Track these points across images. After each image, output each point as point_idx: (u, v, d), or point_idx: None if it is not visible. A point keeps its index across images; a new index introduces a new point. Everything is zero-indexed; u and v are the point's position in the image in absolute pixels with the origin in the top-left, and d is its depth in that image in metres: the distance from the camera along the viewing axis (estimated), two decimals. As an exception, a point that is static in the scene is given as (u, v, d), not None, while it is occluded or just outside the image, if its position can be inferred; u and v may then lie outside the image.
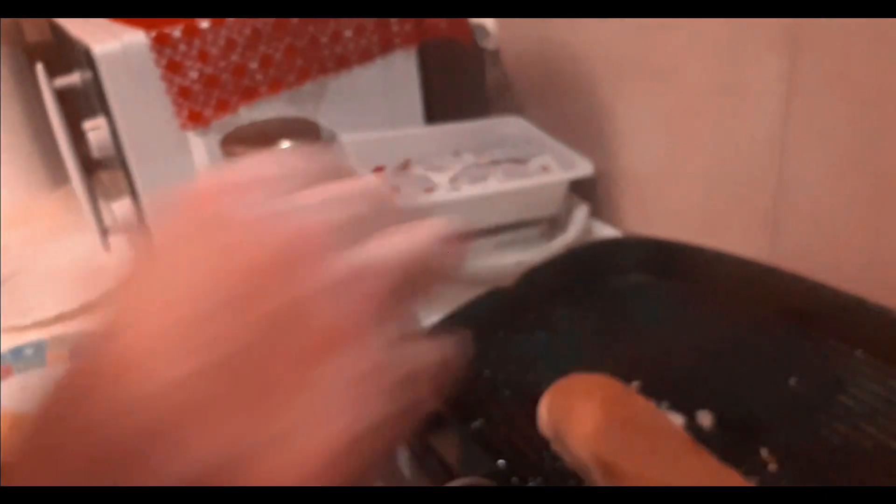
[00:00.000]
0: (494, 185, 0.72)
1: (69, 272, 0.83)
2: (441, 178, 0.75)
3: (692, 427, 0.43)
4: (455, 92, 0.88)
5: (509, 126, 0.85)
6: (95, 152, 0.68)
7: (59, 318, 0.74)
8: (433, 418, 0.54)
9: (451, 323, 0.51)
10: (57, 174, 0.99)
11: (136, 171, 0.66)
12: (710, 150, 0.64)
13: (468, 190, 0.71)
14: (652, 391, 0.44)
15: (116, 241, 0.81)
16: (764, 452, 0.40)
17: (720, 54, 0.60)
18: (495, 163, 0.78)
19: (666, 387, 0.45)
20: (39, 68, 0.70)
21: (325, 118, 0.70)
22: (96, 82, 0.64)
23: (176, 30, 0.65)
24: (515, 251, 0.71)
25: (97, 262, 0.83)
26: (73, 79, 0.71)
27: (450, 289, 0.67)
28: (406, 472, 0.53)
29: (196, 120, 0.67)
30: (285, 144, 0.64)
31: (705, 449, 0.38)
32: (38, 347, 0.67)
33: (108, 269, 0.79)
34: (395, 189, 0.71)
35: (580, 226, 0.71)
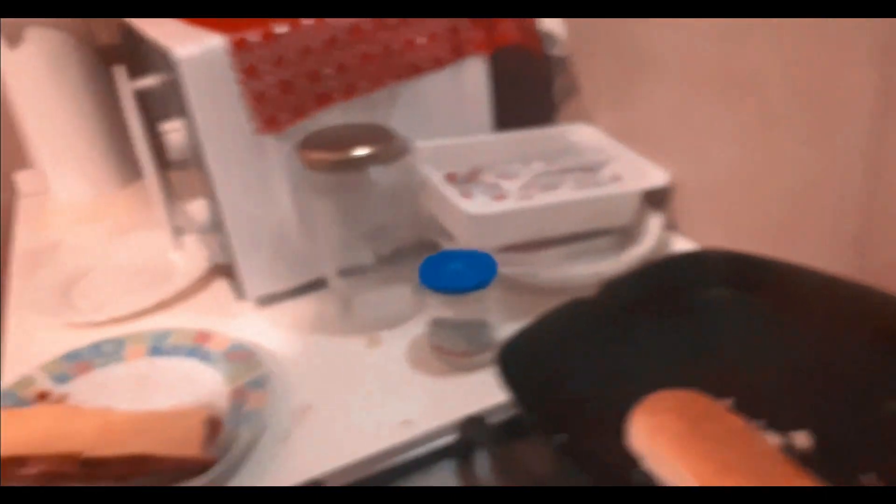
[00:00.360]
0: (567, 193, 0.72)
1: (142, 269, 0.84)
2: (511, 186, 0.75)
3: (789, 448, 0.42)
4: (522, 99, 0.88)
5: (578, 133, 0.84)
6: (172, 154, 0.70)
7: (135, 315, 0.75)
8: (518, 427, 0.54)
9: (534, 333, 0.51)
10: (125, 172, 1.01)
11: (214, 174, 0.67)
12: (792, 163, 0.62)
13: (540, 198, 0.70)
14: (744, 410, 0.43)
15: (188, 240, 0.83)
16: (868, 478, 0.39)
17: (806, 62, 0.59)
18: (566, 171, 0.78)
19: (759, 406, 0.44)
20: (120, 70, 0.72)
21: (396, 124, 0.71)
22: (176, 85, 0.65)
23: (254, 35, 0.66)
24: (588, 261, 0.70)
25: (169, 261, 0.85)
26: (151, 81, 0.72)
27: (525, 298, 0.67)
28: (485, 477, 0.53)
29: (271, 125, 0.68)
30: (360, 150, 0.65)
31: (807, 471, 0.37)
32: (117, 344, 0.69)
33: (179, 268, 0.79)
34: (467, 195, 0.71)
35: (654, 237, 0.71)
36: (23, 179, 1.06)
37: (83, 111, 0.96)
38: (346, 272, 0.72)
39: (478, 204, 0.70)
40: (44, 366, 0.66)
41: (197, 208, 0.71)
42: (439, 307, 0.63)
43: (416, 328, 0.70)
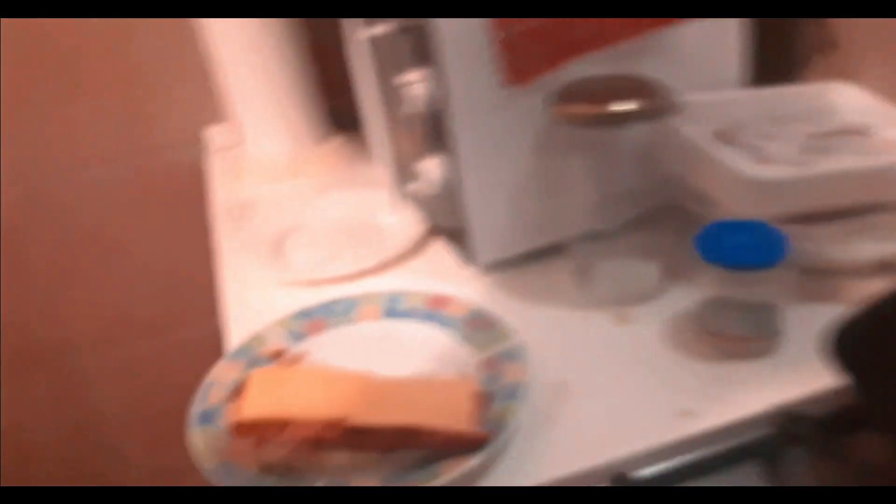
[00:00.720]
0: (854, 160, 0.62)
1: (351, 229, 0.81)
2: (777, 149, 0.66)
3: None
4: (762, 54, 0.79)
5: (840, 93, 0.74)
6: (411, 106, 0.65)
7: (356, 275, 0.72)
8: (850, 421, 0.47)
9: (878, 315, 0.43)
10: (322, 129, 0.98)
11: (458, 128, 0.62)
12: None
13: (826, 164, 0.62)
14: None
15: (402, 200, 0.79)
16: None
17: None
18: (834, 134, 0.68)
19: None
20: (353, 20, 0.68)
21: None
22: (427, 31, 0.60)
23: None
24: (872, 241, 0.61)
25: (379, 221, 0.82)
26: (387, 28, 0.68)
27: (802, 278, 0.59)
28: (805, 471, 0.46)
29: (521, 76, 0.62)
30: (624, 104, 0.58)
31: None
32: (349, 304, 0.66)
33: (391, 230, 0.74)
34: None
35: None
36: (213, 134, 1.05)
37: (285, 62, 0.93)
38: (586, 239, 0.66)
39: (761, 168, 0.61)
40: (277, 323, 0.64)
41: (430, 166, 0.67)
42: (717, 285, 0.56)
43: (668, 306, 0.63)
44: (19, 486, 1.18)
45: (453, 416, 0.49)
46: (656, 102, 0.59)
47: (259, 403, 0.51)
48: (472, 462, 0.48)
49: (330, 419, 0.49)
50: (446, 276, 0.71)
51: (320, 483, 0.49)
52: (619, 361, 0.58)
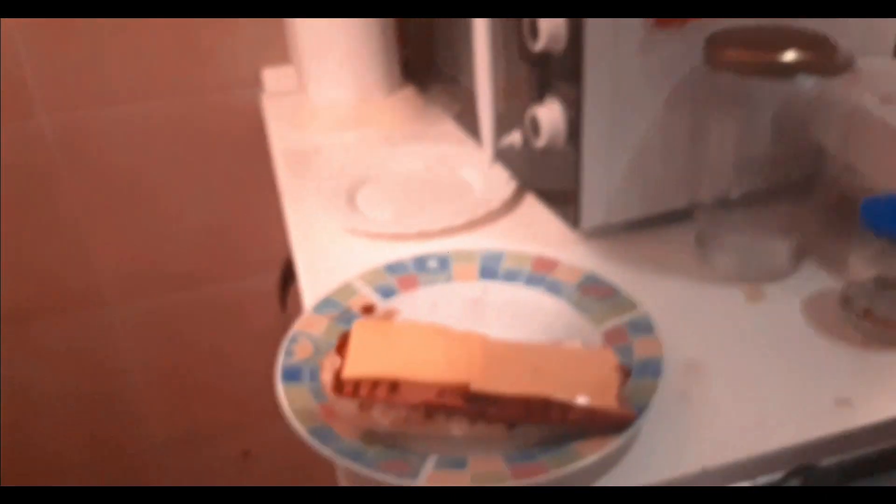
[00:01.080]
0: None
1: (430, 184, 0.74)
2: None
3: None
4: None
5: None
6: (540, 43, 0.58)
7: (444, 232, 0.65)
8: None
9: None
10: (390, 79, 0.91)
11: (589, 72, 0.55)
12: None
13: None
14: None
15: (486, 156, 0.72)
16: None
17: None
18: None
19: None
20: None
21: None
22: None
23: None
24: None
25: (461, 178, 0.75)
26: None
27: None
28: None
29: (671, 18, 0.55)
30: (796, 55, 0.51)
31: None
32: (442, 261, 0.59)
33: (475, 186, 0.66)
34: None
35: None
36: (271, 77, 0.98)
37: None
38: (712, 207, 0.59)
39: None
40: (365, 275, 0.57)
41: (542, 115, 0.60)
42: (877, 262, 0.49)
43: (805, 284, 0.56)
44: (22, 444, 1.12)
45: (595, 391, 0.42)
46: (830, 57, 0.52)
47: (365, 360, 0.44)
48: (616, 443, 0.41)
49: (449, 383, 0.43)
50: (542, 239, 0.65)
51: (432, 457, 0.42)
52: (756, 341, 0.52)
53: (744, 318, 0.54)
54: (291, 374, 0.48)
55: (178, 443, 1.18)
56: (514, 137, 0.66)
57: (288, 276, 0.81)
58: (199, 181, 1.03)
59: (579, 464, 0.40)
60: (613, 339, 0.50)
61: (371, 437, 0.44)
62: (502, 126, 0.67)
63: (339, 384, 0.43)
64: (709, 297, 0.56)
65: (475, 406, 0.42)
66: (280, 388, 0.46)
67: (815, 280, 0.57)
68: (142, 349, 1.12)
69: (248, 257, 1.08)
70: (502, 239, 0.65)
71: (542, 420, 0.42)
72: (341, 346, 0.46)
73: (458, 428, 0.43)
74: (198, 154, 1.01)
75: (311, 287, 0.60)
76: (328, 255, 0.65)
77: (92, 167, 0.98)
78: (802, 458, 0.44)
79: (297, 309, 0.59)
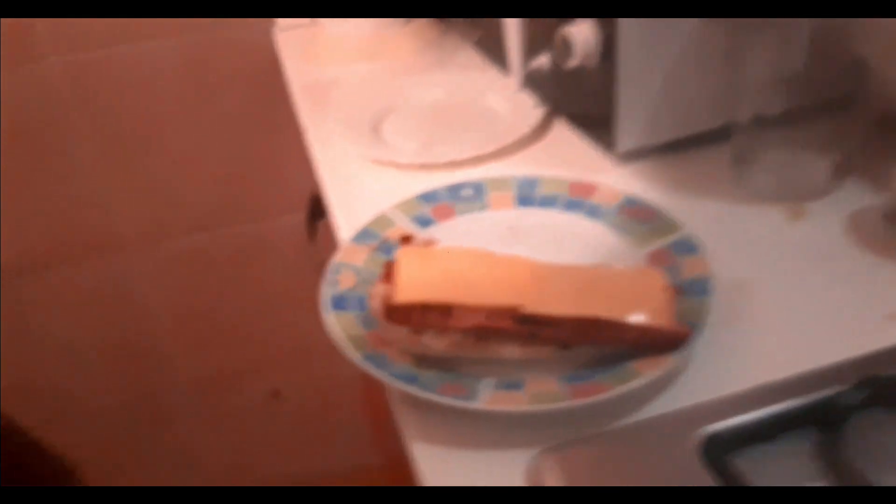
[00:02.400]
0: None
1: (455, 112, 0.73)
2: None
3: None
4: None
5: None
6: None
7: (475, 160, 0.64)
8: None
9: None
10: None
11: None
12: None
13: None
14: None
15: (509, 82, 0.70)
16: None
17: None
18: None
19: None
20: None
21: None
22: None
23: None
24: None
25: (486, 105, 0.73)
26: None
27: None
28: None
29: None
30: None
31: None
32: (477, 189, 0.58)
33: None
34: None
35: None
36: (282, 11, 0.95)
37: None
38: (748, 126, 0.58)
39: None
40: (400, 206, 0.56)
41: (574, 34, 0.58)
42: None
43: (847, 202, 0.56)
44: (49, 392, 1.13)
45: (647, 310, 0.42)
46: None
47: (415, 286, 0.44)
48: (674, 360, 0.41)
49: (501, 306, 0.43)
50: (575, 165, 0.63)
51: (487, 380, 0.42)
52: (802, 259, 0.51)
53: (786, 236, 0.54)
54: (338, 304, 0.48)
55: (207, 384, 1.19)
56: (542, 60, 0.64)
57: (315, 211, 0.80)
58: (215, 120, 1.01)
59: (639, 381, 0.40)
60: (658, 261, 0.50)
61: (423, 362, 0.44)
62: (528, 49, 0.65)
63: (390, 310, 0.43)
64: (749, 216, 0.56)
65: (527, 328, 0.42)
66: (329, 317, 0.46)
67: (857, 197, 0.56)
68: (165, 292, 1.12)
69: (269, 196, 1.07)
70: (534, 166, 0.64)
71: (596, 340, 0.42)
72: (388, 275, 0.46)
73: (509, 351, 0.43)
74: (213, 92, 0.99)
75: (345, 219, 0.60)
76: (358, 186, 0.64)
77: (105, 109, 0.96)
78: (856, 372, 0.44)
79: (326, 243, 0.58)
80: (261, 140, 1.02)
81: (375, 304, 0.45)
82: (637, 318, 0.42)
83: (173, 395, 1.19)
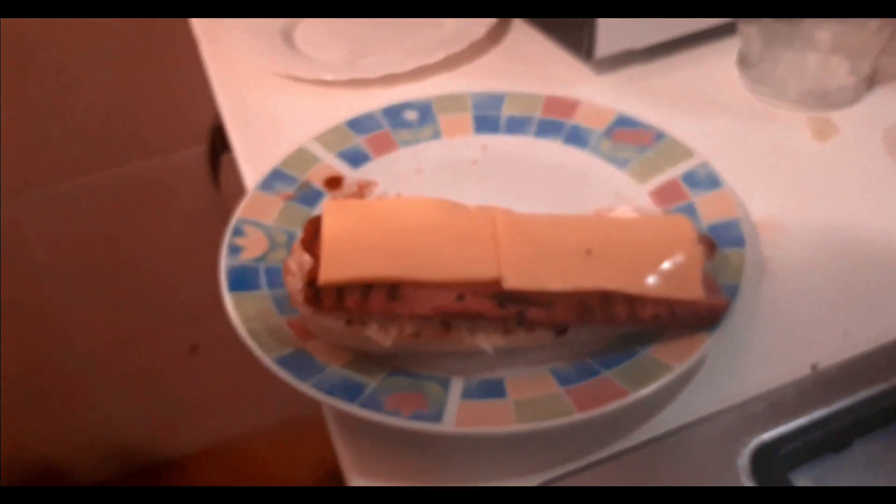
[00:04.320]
0: None
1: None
2: None
3: None
4: None
5: None
6: None
7: (417, 73, 0.50)
8: None
9: None
10: None
11: None
12: None
13: None
14: None
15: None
16: None
17: None
18: None
19: None
20: None
21: None
22: None
23: None
24: None
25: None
26: None
27: None
28: None
29: None
30: None
31: None
32: (423, 111, 0.45)
33: None
34: None
35: None
36: None
37: None
38: (758, 20, 0.46)
39: None
40: (323, 137, 0.43)
41: None
42: None
43: (879, 113, 0.45)
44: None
45: (672, 276, 0.31)
46: None
47: (348, 257, 0.31)
48: (708, 344, 0.30)
49: (472, 280, 0.30)
50: (542, 76, 0.51)
51: (457, 381, 0.31)
52: (839, 190, 0.40)
53: (815, 159, 0.42)
54: (241, 280, 0.35)
55: (114, 345, 1.04)
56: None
57: (218, 146, 0.65)
58: (94, 38, 0.83)
59: (666, 378, 0.29)
60: (667, 198, 0.38)
61: (367, 361, 0.31)
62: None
63: (314, 294, 0.30)
64: (766, 134, 0.44)
65: (510, 309, 0.30)
66: (228, 300, 0.33)
67: (891, 107, 0.45)
68: (55, 246, 0.96)
69: (167, 126, 0.90)
70: (492, 79, 0.51)
71: (603, 321, 0.30)
72: (309, 239, 0.33)
73: (487, 340, 0.31)
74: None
75: (251, 157, 0.46)
76: (267, 112, 0.50)
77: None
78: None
79: (237, 188, 0.45)
80: (154, 60, 0.85)
81: (293, 282, 0.32)
82: (659, 287, 0.30)
83: (77, 359, 1.04)
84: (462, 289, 0.30)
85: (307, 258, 0.32)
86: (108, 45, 0.84)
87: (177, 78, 0.86)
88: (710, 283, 0.31)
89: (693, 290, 0.30)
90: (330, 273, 0.30)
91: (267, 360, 0.31)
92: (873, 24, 0.46)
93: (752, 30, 0.47)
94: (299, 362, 0.31)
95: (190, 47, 0.62)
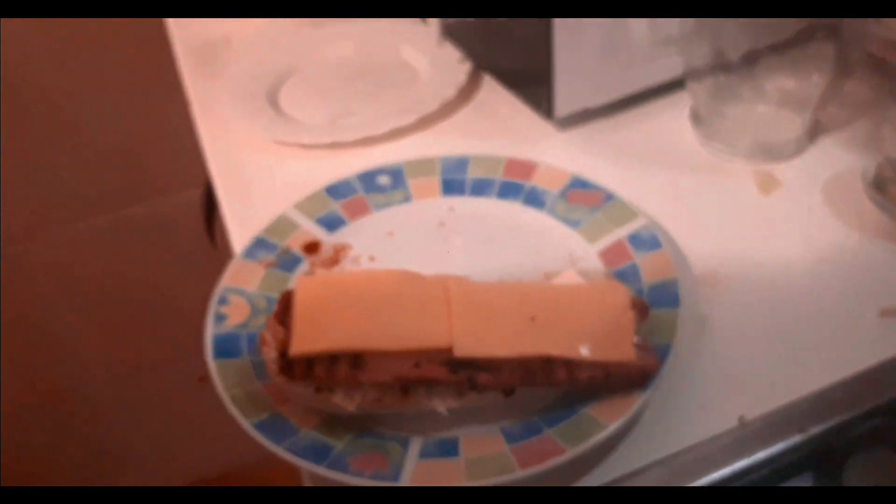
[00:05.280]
0: None
1: (367, 72, 0.62)
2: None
3: None
4: None
5: None
6: None
7: (392, 135, 0.54)
8: None
9: None
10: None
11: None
12: None
13: None
14: None
15: (428, 31, 0.59)
16: None
17: None
18: None
19: None
20: None
21: None
22: None
23: None
24: None
25: (403, 60, 0.62)
26: None
27: None
28: None
29: None
30: None
31: None
32: (395, 176, 0.48)
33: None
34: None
35: None
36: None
37: None
38: (708, 74, 0.49)
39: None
40: (303, 204, 0.46)
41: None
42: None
43: (822, 165, 0.48)
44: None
45: (606, 340, 0.34)
46: None
47: (316, 331, 0.34)
48: (639, 403, 0.33)
49: (427, 349, 0.34)
50: (509, 133, 0.54)
51: (416, 442, 0.34)
52: (779, 243, 0.44)
53: (759, 212, 0.46)
54: (225, 347, 0.38)
55: (124, 376, 1.09)
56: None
57: (212, 203, 0.69)
58: (95, 90, 0.87)
59: (599, 436, 0.32)
60: (614, 258, 0.41)
61: (336, 423, 0.35)
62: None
63: (287, 365, 0.34)
64: (714, 188, 0.48)
65: (462, 375, 0.34)
66: (212, 368, 0.37)
67: (832, 158, 0.49)
68: (65, 282, 1.00)
69: (165, 172, 0.95)
70: (462, 137, 0.55)
71: (545, 383, 0.34)
72: (283, 312, 0.36)
73: (442, 403, 0.35)
74: (98, 61, 0.85)
75: (238, 219, 0.50)
76: (254, 175, 0.53)
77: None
78: (854, 397, 0.37)
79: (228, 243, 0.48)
80: (150, 112, 0.89)
81: (268, 352, 0.36)
82: (594, 351, 0.34)
83: (87, 389, 1.08)
84: (418, 357, 0.34)
85: (280, 329, 0.36)
86: (108, 92, 0.89)
87: (179, 119, 0.91)
88: (641, 345, 0.34)
89: (625, 353, 0.34)
90: (300, 346, 0.34)
91: (246, 424, 0.34)
92: (815, 76, 0.49)
93: (699, 86, 0.50)
94: (275, 426, 0.34)
95: (180, 99, 0.66)
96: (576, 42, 0.48)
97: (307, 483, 0.35)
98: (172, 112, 0.90)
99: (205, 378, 0.37)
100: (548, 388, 0.34)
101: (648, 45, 0.50)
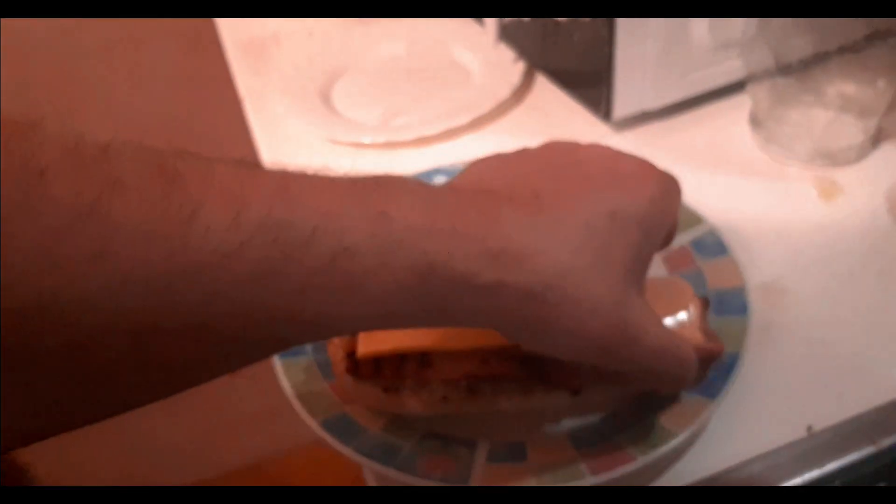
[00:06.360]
0: None
1: (419, 71, 0.62)
2: None
3: None
4: None
5: None
6: None
7: (447, 134, 0.54)
8: None
9: None
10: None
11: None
12: None
13: None
14: None
15: (480, 31, 0.59)
16: None
17: None
18: None
19: None
20: None
21: None
22: None
23: None
24: None
25: (454, 60, 0.62)
26: None
27: None
28: None
29: None
30: None
31: None
32: (452, 176, 0.48)
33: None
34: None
35: None
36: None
37: None
38: (768, 78, 0.49)
39: None
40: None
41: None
42: None
43: (885, 171, 0.47)
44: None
45: (673, 328, 0.34)
46: None
47: (383, 332, 0.35)
48: (710, 409, 0.33)
49: (495, 346, 0.34)
50: (565, 132, 0.53)
51: (483, 445, 0.34)
52: (842, 249, 0.43)
53: (820, 218, 0.45)
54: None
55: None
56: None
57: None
58: (144, 89, 0.89)
59: (670, 444, 0.32)
60: (677, 263, 0.41)
61: (401, 424, 0.35)
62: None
63: (354, 365, 0.34)
64: (774, 193, 0.47)
65: (532, 370, 0.34)
66: (278, 367, 0.37)
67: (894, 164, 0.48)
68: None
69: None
70: (516, 137, 0.55)
71: (613, 378, 0.33)
72: (349, 312, 0.36)
73: (508, 401, 0.35)
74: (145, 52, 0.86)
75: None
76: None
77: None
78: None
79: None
80: (202, 107, 0.91)
81: (335, 352, 0.36)
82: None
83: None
84: (486, 354, 0.34)
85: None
86: (159, 90, 0.90)
87: (232, 117, 0.91)
88: (708, 332, 0.34)
89: (692, 337, 0.33)
90: (368, 346, 0.34)
91: (314, 423, 0.34)
92: (881, 82, 0.48)
93: (760, 88, 0.49)
94: (342, 427, 0.34)
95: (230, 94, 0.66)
96: (637, 43, 0.47)
97: (370, 483, 0.36)
98: (226, 110, 0.91)
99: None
100: (615, 384, 0.34)
101: (709, 49, 0.49)
